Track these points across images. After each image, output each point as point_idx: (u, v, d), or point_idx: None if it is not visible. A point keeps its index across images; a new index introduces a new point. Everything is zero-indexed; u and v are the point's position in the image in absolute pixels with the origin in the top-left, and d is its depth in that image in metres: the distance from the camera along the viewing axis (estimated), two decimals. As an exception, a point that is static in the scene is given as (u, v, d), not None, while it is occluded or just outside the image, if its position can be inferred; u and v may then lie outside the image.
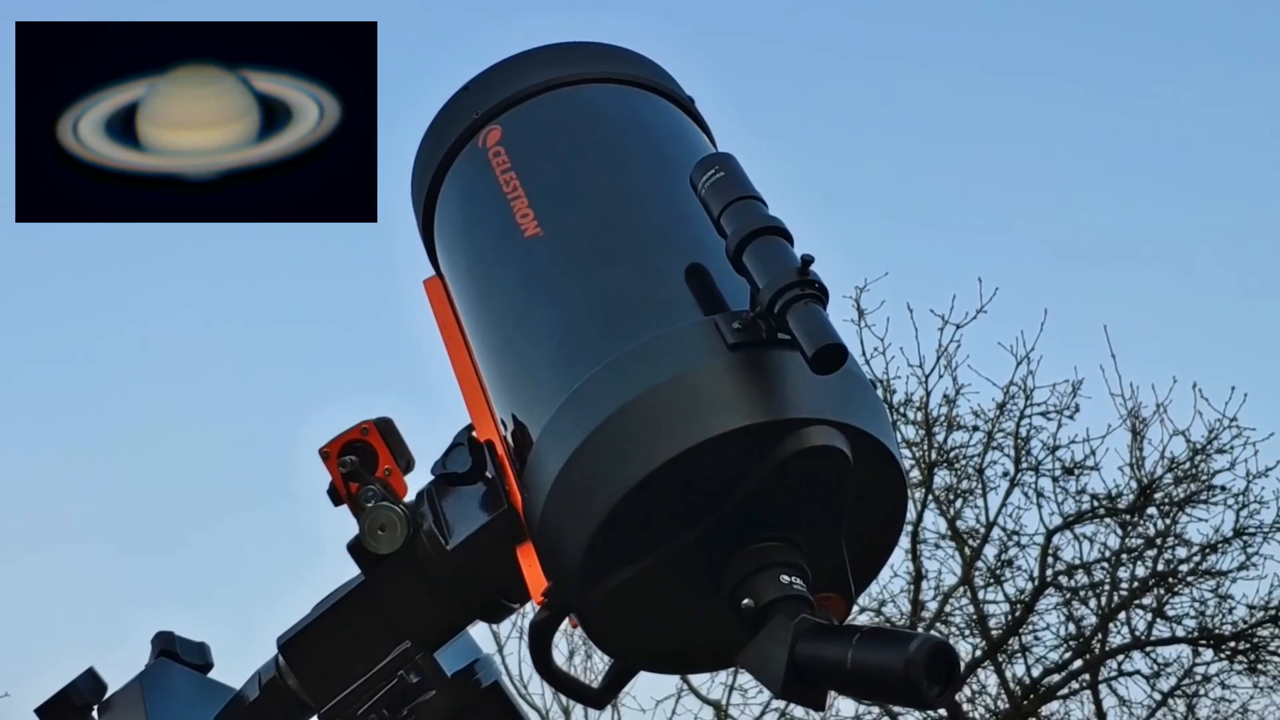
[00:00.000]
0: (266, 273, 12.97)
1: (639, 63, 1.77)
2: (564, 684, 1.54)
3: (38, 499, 12.78)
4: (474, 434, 1.53)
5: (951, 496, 10.90)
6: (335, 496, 1.54)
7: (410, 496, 1.56)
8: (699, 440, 1.30)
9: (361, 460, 1.52)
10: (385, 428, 1.56)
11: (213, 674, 1.79)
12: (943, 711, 10.60)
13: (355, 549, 1.51)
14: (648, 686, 11.73)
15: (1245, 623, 10.59)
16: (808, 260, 1.32)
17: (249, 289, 13.29)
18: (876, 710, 10.95)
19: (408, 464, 1.57)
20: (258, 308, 13.37)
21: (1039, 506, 10.75)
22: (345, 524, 1.53)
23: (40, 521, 12.82)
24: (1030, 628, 10.86)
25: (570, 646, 10.12)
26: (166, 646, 1.76)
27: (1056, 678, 10.87)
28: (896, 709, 10.89)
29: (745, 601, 1.33)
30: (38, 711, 1.68)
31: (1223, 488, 10.54)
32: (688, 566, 1.36)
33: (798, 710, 10.85)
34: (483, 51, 1.77)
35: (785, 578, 1.33)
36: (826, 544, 1.38)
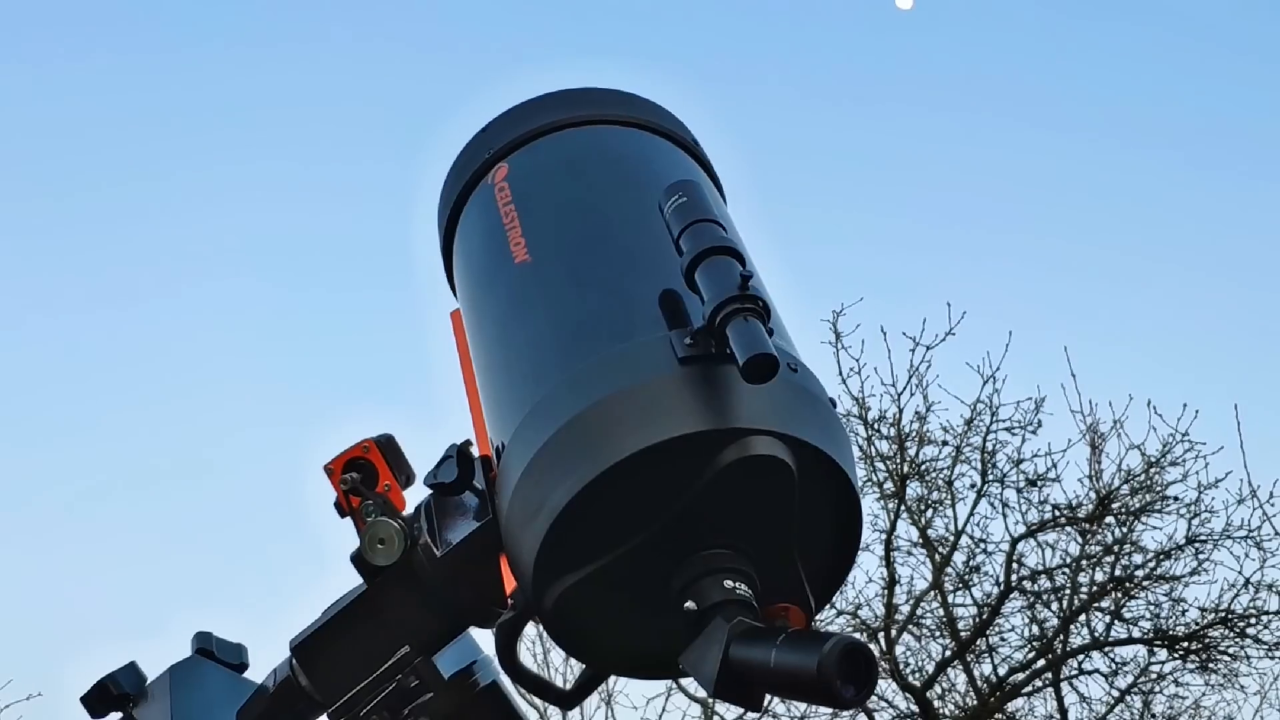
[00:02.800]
0: (295, 295, 13.01)
1: (642, 106, 1.79)
2: (531, 683, 1.52)
3: (62, 508, 12.73)
4: (469, 447, 1.52)
5: (923, 507, 10.92)
6: (340, 510, 1.53)
7: (411, 510, 1.54)
8: (642, 446, 1.30)
9: (363, 477, 1.52)
10: (386, 445, 1.55)
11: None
12: (915, 708, 10.58)
13: (357, 560, 1.50)
14: (640, 684, 11.71)
15: (1197, 624, 10.60)
16: (747, 277, 1.31)
17: (283, 310, 13.29)
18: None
19: (407, 479, 1.56)
20: (295, 329, 13.37)
21: (1004, 516, 10.78)
22: (354, 533, 1.52)
23: (68, 527, 12.75)
24: (996, 629, 10.87)
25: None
26: (203, 645, 1.78)
27: (1021, 676, 10.86)
28: (870, 704, 10.87)
29: (688, 604, 1.31)
30: (81, 700, 1.70)
31: (1175, 498, 10.57)
32: (640, 571, 1.35)
33: (780, 707, 10.82)
34: (509, 94, 1.81)
35: (729, 583, 1.31)
36: (780, 554, 1.36)
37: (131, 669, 1.72)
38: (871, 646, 10.52)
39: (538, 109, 1.76)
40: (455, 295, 1.78)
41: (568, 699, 1.55)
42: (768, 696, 1.28)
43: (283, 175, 13.14)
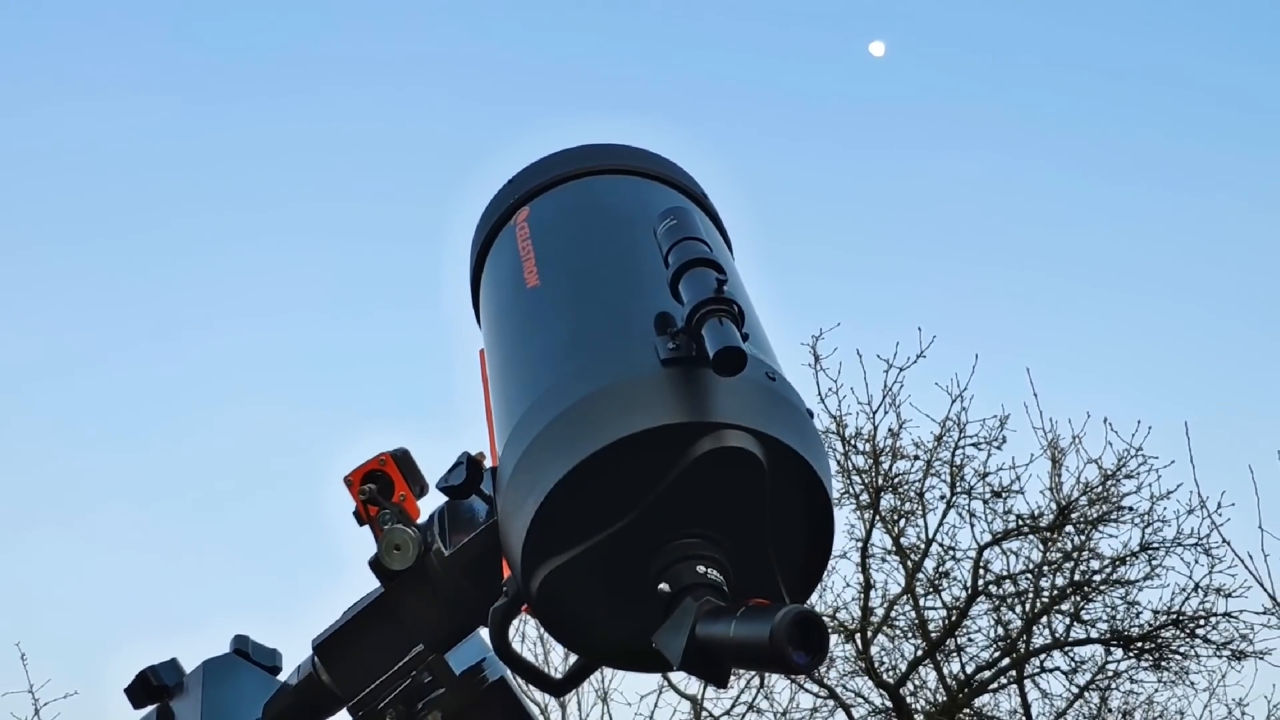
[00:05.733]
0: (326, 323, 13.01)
1: (651, 160, 1.82)
2: (524, 669, 1.50)
3: (100, 519, 12.67)
4: (480, 457, 1.52)
5: (896, 517, 10.91)
6: (359, 518, 1.54)
7: (425, 518, 1.55)
8: (622, 435, 1.31)
9: (379, 488, 1.53)
10: (401, 458, 1.56)
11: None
12: (889, 704, 10.57)
13: (374, 565, 1.51)
14: (634, 682, 11.68)
15: (1150, 626, 10.61)
16: (721, 282, 1.34)
17: (320, 342, 13.29)
18: (832, 703, 10.92)
19: (421, 490, 1.56)
20: (327, 355, 13.36)
21: (971, 525, 10.78)
22: (371, 540, 1.52)
23: (104, 537, 12.70)
24: (964, 630, 10.86)
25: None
26: (240, 647, 1.78)
27: (987, 674, 10.86)
28: (847, 700, 10.86)
29: (662, 586, 1.32)
30: (125, 691, 1.70)
31: (1130, 508, 10.59)
32: (621, 556, 1.35)
33: (765, 703, 10.80)
34: (537, 148, 1.85)
35: (701, 568, 1.32)
36: (753, 547, 1.36)
37: (172, 664, 1.73)
38: (848, 643, 10.51)
39: (558, 161, 1.81)
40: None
41: (560, 686, 1.54)
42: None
43: (337, 217, 13.18)
